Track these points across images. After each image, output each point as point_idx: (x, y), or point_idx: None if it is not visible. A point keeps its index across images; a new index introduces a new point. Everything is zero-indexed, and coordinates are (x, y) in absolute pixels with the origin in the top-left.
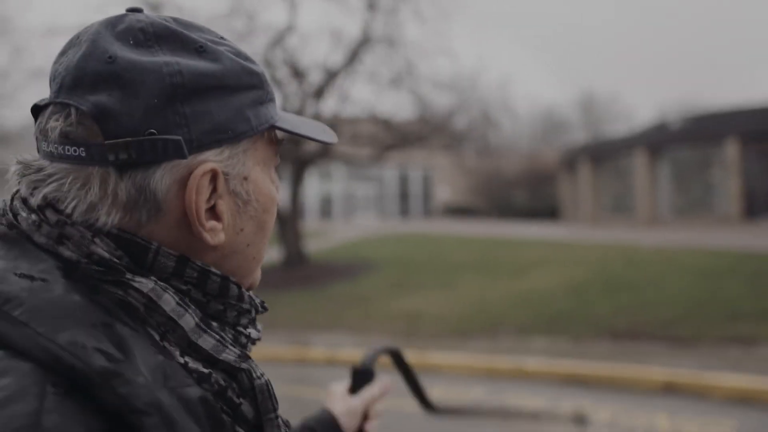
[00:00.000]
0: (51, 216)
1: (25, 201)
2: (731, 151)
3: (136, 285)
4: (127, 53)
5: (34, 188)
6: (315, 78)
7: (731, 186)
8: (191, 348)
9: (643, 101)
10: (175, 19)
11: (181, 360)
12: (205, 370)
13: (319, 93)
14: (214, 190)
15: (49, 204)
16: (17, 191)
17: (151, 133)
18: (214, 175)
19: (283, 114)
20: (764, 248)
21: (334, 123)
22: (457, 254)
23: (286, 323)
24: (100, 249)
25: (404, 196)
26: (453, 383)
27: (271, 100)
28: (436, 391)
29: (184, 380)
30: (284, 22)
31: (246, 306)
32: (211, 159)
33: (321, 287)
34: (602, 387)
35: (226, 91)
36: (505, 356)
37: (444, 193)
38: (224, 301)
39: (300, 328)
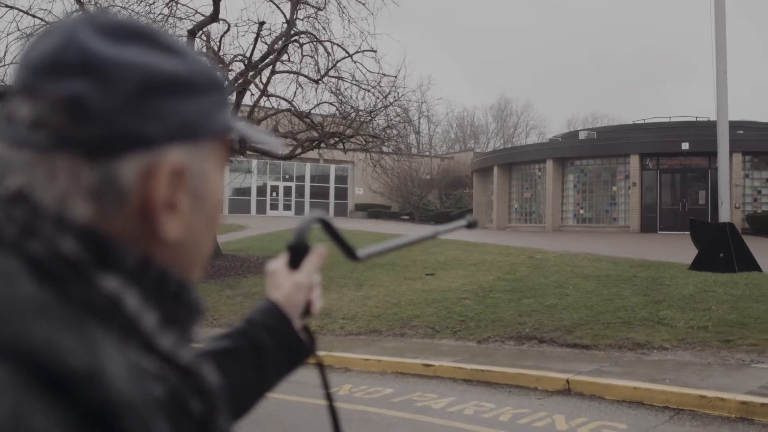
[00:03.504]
0: (19, 209)
1: None
2: (633, 165)
3: (100, 284)
4: (104, 47)
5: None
6: (237, 69)
7: (632, 198)
8: (148, 348)
9: (554, 113)
10: (146, 23)
11: (139, 359)
12: (161, 370)
13: (240, 84)
14: (175, 185)
15: (18, 196)
16: None
17: (124, 124)
18: (177, 171)
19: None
20: (659, 258)
21: (254, 116)
22: None
23: None
24: (68, 246)
25: (321, 193)
26: (362, 381)
27: (229, 106)
28: (345, 388)
29: (149, 379)
30: (208, 9)
31: (196, 311)
32: (176, 155)
33: (234, 280)
34: (506, 387)
35: (194, 91)
36: (414, 356)
37: (360, 192)
38: (178, 304)
39: (209, 322)
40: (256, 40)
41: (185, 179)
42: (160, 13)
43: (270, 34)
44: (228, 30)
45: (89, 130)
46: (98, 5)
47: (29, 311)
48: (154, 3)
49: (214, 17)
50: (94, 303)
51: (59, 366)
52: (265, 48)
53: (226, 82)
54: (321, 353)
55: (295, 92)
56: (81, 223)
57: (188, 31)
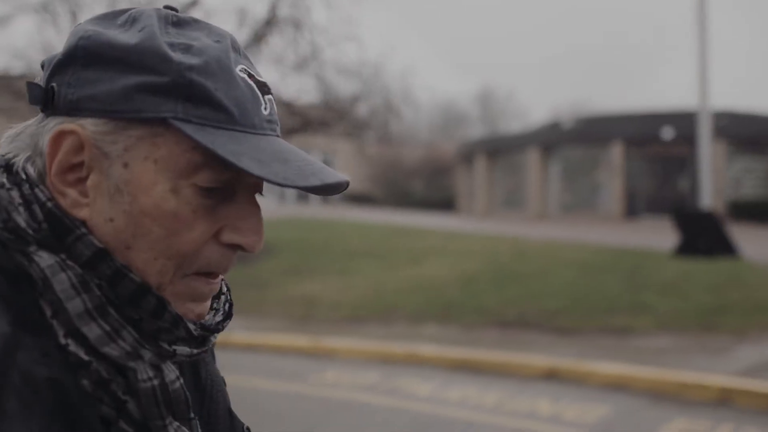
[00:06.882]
0: None
1: None
2: (616, 153)
3: (36, 258)
4: (93, 26)
5: None
6: None
7: (615, 186)
8: (75, 332)
9: (538, 101)
10: (180, 16)
11: (63, 341)
12: (86, 357)
13: None
14: (83, 160)
15: (4, 162)
16: None
17: (59, 87)
18: (79, 143)
19: (259, 141)
20: (641, 245)
21: None
22: (353, 241)
23: None
24: (20, 217)
25: None
26: (347, 368)
27: (181, 96)
28: (329, 375)
29: (37, 358)
30: None
31: (166, 325)
32: (87, 126)
33: None
34: (490, 373)
35: (125, 67)
36: (399, 342)
37: None
38: (137, 311)
39: None
40: (237, 26)
41: (96, 157)
42: None
43: (251, 20)
44: (208, 16)
45: (29, 85)
46: None
47: None
48: None
49: (194, 2)
50: (31, 275)
51: None
52: (247, 34)
53: (189, 71)
54: (305, 340)
55: (277, 79)
56: (48, 203)
57: None
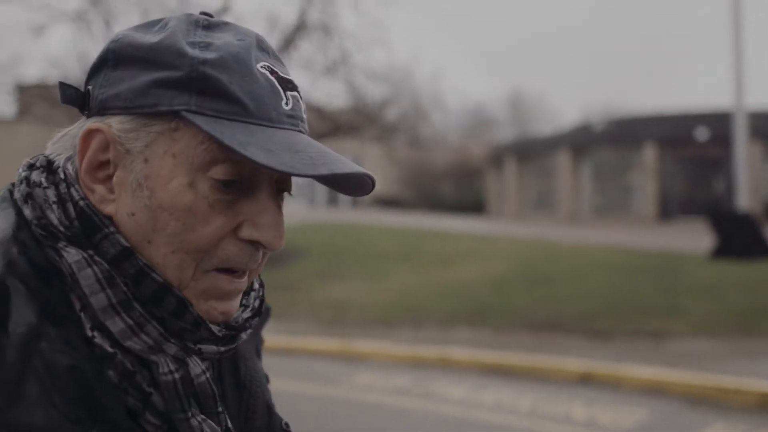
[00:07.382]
0: (34, 176)
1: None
2: (649, 154)
3: (64, 254)
4: (130, 32)
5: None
6: None
7: (648, 188)
8: (101, 326)
9: (568, 103)
10: (210, 20)
11: (89, 334)
12: (110, 350)
13: None
14: (109, 157)
15: (46, 162)
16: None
17: (92, 89)
18: (105, 141)
19: (275, 134)
20: (675, 248)
21: None
22: (383, 244)
23: None
24: (53, 215)
25: None
26: (378, 371)
27: (195, 89)
28: (361, 379)
29: (60, 348)
30: (219, 2)
31: (187, 326)
32: (113, 124)
33: None
34: (523, 377)
35: (144, 64)
36: (430, 346)
37: None
38: (159, 310)
39: None
40: (267, 32)
41: (121, 154)
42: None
43: (282, 26)
44: (238, 22)
45: (73, 90)
46: None
47: None
48: None
49: (225, 9)
50: (61, 270)
51: None
52: (277, 39)
53: (203, 66)
54: (336, 343)
55: (307, 84)
56: (81, 202)
57: None
